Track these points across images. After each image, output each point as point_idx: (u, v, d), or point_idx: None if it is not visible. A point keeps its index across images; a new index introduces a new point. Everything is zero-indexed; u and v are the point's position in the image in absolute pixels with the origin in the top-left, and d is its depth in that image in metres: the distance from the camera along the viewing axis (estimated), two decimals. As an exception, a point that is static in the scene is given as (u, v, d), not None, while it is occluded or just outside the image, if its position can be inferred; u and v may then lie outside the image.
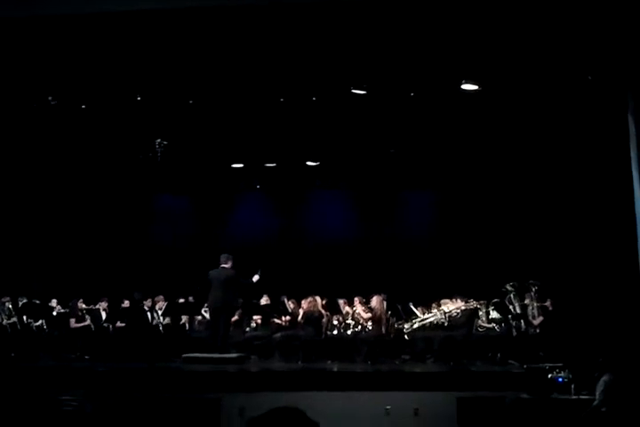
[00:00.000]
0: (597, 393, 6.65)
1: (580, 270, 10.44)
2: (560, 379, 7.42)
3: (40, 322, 11.60)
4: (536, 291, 10.43)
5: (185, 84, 10.33)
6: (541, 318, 10.25)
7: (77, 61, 9.36)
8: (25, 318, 11.63)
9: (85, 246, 14.01)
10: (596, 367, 6.97)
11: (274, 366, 9.93)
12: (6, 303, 11.76)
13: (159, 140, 12.25)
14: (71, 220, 14.08)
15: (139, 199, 14.66)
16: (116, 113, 11.20)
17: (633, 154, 8.30)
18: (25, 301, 11.77)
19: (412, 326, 10.58)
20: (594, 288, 9.86)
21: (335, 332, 10.87)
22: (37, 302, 11.72)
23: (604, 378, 6.67)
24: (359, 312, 10.66)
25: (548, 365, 7.74)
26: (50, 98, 10.61)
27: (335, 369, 9.55)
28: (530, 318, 10.29)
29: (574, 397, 7.17)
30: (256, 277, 10.60)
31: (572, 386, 7.30)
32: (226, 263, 10.41)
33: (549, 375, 7.48)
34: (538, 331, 10.14)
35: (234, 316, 10.93)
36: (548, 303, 10.41)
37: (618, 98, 8.85)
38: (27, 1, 7.81)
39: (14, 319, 11.67)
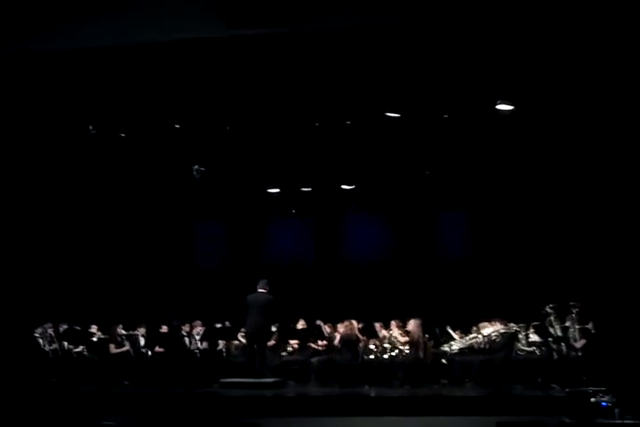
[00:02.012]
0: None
1: (622, 291, 10.21)
2: (604, 403, 7.20)
3: (80, 348, 11.75)
4: (577, 313, 10.19)
5: (221, 111, 10.53)
6: (584, 341, 10.01)
7: (117, 91, 9.64)
8: (66, 344, 11.80)
9: (124, 273, 14.18)
10: (641, 391, 6.78)
11: (310, 391, 9.86)
12: (48, 330, 11.96)
13: (196, 167, 12.44)
14: (110, 246, 14.29)
15: (177, 225, 14.82)
16: (154, 140, 11.44)
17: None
18: (66, 327, 11.95)
19: (450, 349, 10.43)
20: (637, 309, 9.63)
21: (372, 356, 10.75)
22: (78, 328, 11.88)
23: (650, 402, 6.48)
24: (396, 336, 10.56)
25: (591, 389, 7.52)
26: (90, 127, 10.90)
27: (372, 394, 9.44)
28: (571, 340, 10.05)
29: (618, 421, 6.95)
30: None
31: (616, 410, 7.08)
32: (264, 288, 10.45)
33: (592, 399, 7.26)
34: (580, 354, 9.89)
35: (270, 340, 10.91)
36: (589, 326, 10.16)
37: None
38: (70, 34, 8.07)
39: (55, 346, 11.86)
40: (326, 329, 11.35)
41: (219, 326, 12.07)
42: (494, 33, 8.09)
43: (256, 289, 10.50)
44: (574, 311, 10.18)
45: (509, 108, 9.86)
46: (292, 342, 11.46)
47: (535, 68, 8.85)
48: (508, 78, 9.20)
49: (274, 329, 11.25)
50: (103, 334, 11.97)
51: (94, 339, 11.75)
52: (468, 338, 10.53)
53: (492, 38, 8.19)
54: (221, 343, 11.93)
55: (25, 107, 9.88)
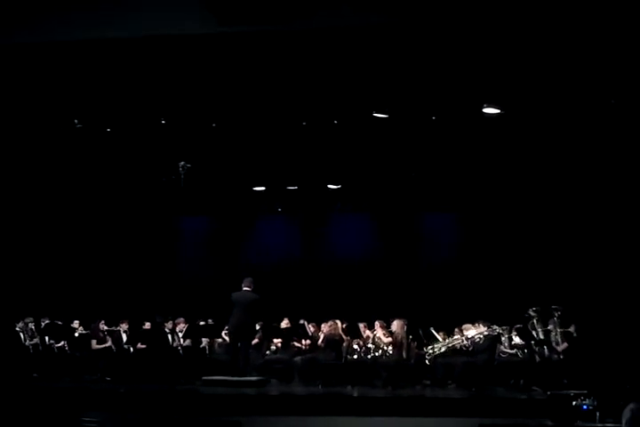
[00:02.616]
0: (623, 422, 6.50)
1: (604, 295, 10.31)
2: (585, 406, 7.25)
3: (62, 343, 11.67)
4: (559, 316, 10.26)
5: (208, 108, 10.48)
6: (565, 344, 10.08)
7: (103, 85, 9.55)
8: (47, 338, 11.72)
9: (107, 268, 14.10)
10: (622, 395, 6.82)
11: (293, 390, 9.85)
12: (29, 324, 11.87)
13: (182, 163, 12.39)
14: (93, 241, 14.20)
15: (161, 221, 14.77)
16: (140, 136, 11.37)
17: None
18: (47, 322, 11.87)
19: (433, 351, 10.46)
20: (619, 313, 9.72)
21: (355, 356, 10.76)
22: (59, 323, 11.80)
23: (631, 406, 6.49)
24: (380, 336, 10.57)
25: (572, 392, 7.57)
26: (75, 121, 10.81)
27: (355, 394, 9.45)
28: (553, 344, 10.12)
29: (599, 425, 7.00)
30: None
31: (597, 414, 7.13)
32: (248, 287, 10.42)
33: (574, 402, 7.32)
34: (562, 357, 9.96)
35: (253, 339, 10.89)
36: (571, 329, 10.24)
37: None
38: (57, 27, 7.99)
39: (36, 340, 11.77)
40: (310, 328, 11.35)
41: (202, 323, 12.04)
42: (483, 36, 8.10)
43: (241, 287, 10.47)
44: (557, 315, 10.26)
45: (496, 111, 9.90)
46: (275, 340, 11.45)
47: (522, 72, 8.89)
48: (495, 81, 9.24)
49: (257, 328, 11.23)
50: (85, 329, 11.90)
51: (76, 334, 11.68)
52: (451, 340, 10.55)
53: (480, 41, 8.21)
54: (204, 341, 11.88)
55: (10, 101, 9.77)
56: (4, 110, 9.98)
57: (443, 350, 10.42)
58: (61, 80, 9.37)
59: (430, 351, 10.43)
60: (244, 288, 10.41)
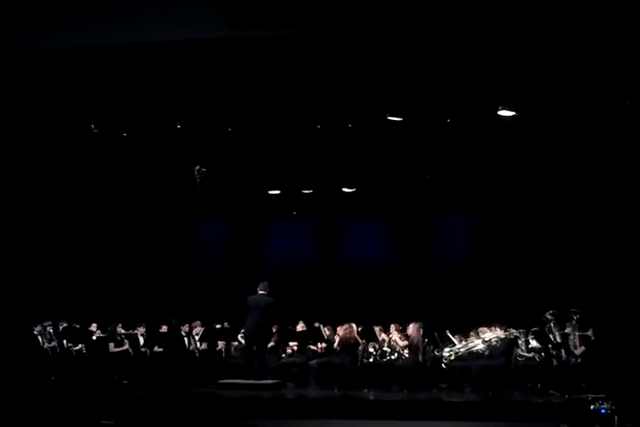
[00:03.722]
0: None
1: (622, 298, 10.20)
2: (603, 410, 7.19)
3: (80, 346, 11.76)
4: (577, 320, 10.19)
5: (223, 112, 10.53)
6: (583, 348, 10.00)
7: (119, 91, 9.63)
8: (65, 342, 11.80)
9: (124, 272, 14.18)
10: (641, 399, 6.77)
11: (309, 394, 9.86)
12: (47, 327, 11.97)
13: (198, 167, 12.44)
14: (110, 245, 14.29)
15: (178, 226, 14.82)
16: (156, 141, 11.44)
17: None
18: (65, 325, 11.96)
19: (450, 354, 10.41)
20: (637, 317, 9.61)
21: (371, 359, 10.74)
22: (77, 326, 11.88)
23: (649, 410, 6.46)
24: (395, 340, 10.55)
25: (590, 396, 7.51)
26: (92, 126, 10.90)
27: (371, 397, 9.44)
28: (571, 347, 10.05)
29: (618, 429, 6.95)
30: None
31: (616, 418, 7.06)
32: (264, 290, 10.45)
33: (592, 406, 7.26)
34: (579, 361, 9.89)
35: (269, 342, 10.91)
36: (589, 333, 10.16)
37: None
38: (72, 33, 8.06)
39: (54, 343, 11.86)
40: (326, 332, 11.34)
41: (218, 326, 12.07)
42: (497, 39, 8.08)
43: (256, 291, 10.49)
44: (574, 318, 10.19)
45: (511, 113, 9.86)
46: (291, 344, 11.47)
47: (537, 74, 8.84)
48: (510, 84, 9.20)
49: (273, 331, 11.25)
50: (102, 332, 11.98)
51: (94, 337, 11.77)
52: (467, 343, 10.50)
53: (494, 44, 8.18)
54: (221, 344, 11.92)
55: (27, 106, 9.87)
56: (21, 115, 10.09)
57: (461, 353, 10.37)
58: (78, 86, 9.45)
59: (448, 354, 10.39)
60: (260, 292, 10.44)
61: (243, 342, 11.32)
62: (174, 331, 11.59)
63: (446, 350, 10.48)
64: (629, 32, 7.47)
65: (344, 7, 7.28)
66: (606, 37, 7.71)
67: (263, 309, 10.22)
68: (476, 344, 10.37)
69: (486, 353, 10.25)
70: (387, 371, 10.37)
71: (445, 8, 7.29)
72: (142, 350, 11.67)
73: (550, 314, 10.39)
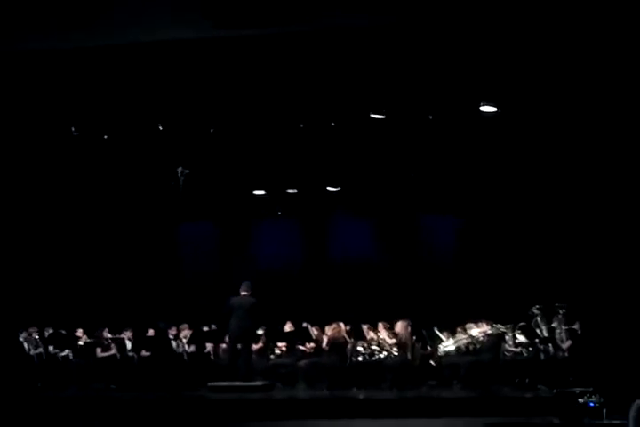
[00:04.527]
0: (630, 419, 6.47)
1: (608, 292, 10.26)
2: (591, 403, 7.24)
3: (66, 352, 11.65)
4: (564, 314, 10.24)
5: (205, 113, 10.48)
6: (570, 342, 10.05)
7: (99, 93, 9.56)
8: (51, 348, 11.70)
9: (109, 276, 14.07)
10: (629, 391, 6.80)
11: (299, 394, 9.85)
12: (33, 334, 11.85)
13: (181, 169, 12.38)
14: (95, 249, 14.18)
15: (162, 228, 14.73)
16: (137, 142, 11.36)
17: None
18: (51, 331, 11.85)
19: (444, 351, 10.42)
20: (623, 310, 9.68)
21: (360, 358, 10.73)
22: (63, 332, 11.78)
23: (638, 403, 6.49)
24: (384, 338, 10.55)
25: (578, 389, 7.56)
26: (72, 129, 10.80)
27: (361, 396, 9.43)
28: (558, 341, 10.10)
29: (606, 422, 6.99)
30: None
31: (604, 411, 7.12)
32: (246, 291, 10.40)
33: (580, 400, 7.30)
34: (567, 355, 9.94)
35: (254, 343, 10.86)
36: (576, 326, 10.21)
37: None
38: (54, 34, 7.99)
39: (40, 350, 11.75)
40: (314, 331, 11.31)
41: (206, 329, 12.01)
42: (478, 35, 8.11)
43: (239, 292, 10.44)
44: (561, 312, 10.23)
45: (493, 109, 9.89)
46: (279, 344, 11.43)
47: (519, 70, 8.88)
48: (491, 80, 9.23)
49: (261, 332, 11.21)
50: (89, 337, 11.88)
51: (80, 343, 11.65)
52: (456, 339, 10.52)
53: (475, 40, 8.21)
54: (209, 346, 11.86)
55: (6, 108, 9.77)
56: (1, 118, 9.99)
57: (453, 348, 10.39)
58: (57, 88, 9.38)
59: (442, 353, 10.39)
60: (242, 293, 10.38)
61: (230, 343, 11.27)
62: (161, 334, 11.53)
63: (441, 346, 10.49)
64: (610, 27, 7.52)
65: (326, 6, 7.27)
66: (587, 33, 7.76)
67: (247, 309, 10.17)
68: (466, 340, 10.39)
69: (474, 349, 10.27)
70: (376, 369, 10.37)
71: (426, 6, 7.31)
72: (130, 354, 11.59)
73: (536, 309, 10.42)
